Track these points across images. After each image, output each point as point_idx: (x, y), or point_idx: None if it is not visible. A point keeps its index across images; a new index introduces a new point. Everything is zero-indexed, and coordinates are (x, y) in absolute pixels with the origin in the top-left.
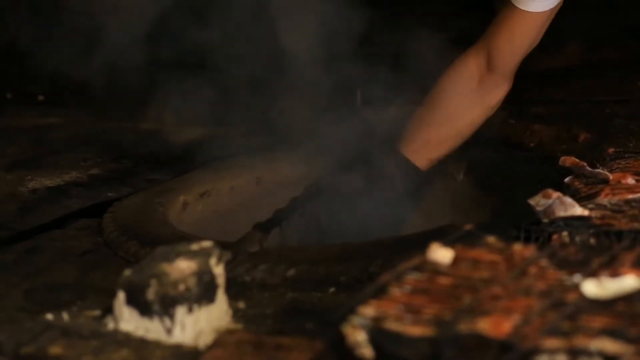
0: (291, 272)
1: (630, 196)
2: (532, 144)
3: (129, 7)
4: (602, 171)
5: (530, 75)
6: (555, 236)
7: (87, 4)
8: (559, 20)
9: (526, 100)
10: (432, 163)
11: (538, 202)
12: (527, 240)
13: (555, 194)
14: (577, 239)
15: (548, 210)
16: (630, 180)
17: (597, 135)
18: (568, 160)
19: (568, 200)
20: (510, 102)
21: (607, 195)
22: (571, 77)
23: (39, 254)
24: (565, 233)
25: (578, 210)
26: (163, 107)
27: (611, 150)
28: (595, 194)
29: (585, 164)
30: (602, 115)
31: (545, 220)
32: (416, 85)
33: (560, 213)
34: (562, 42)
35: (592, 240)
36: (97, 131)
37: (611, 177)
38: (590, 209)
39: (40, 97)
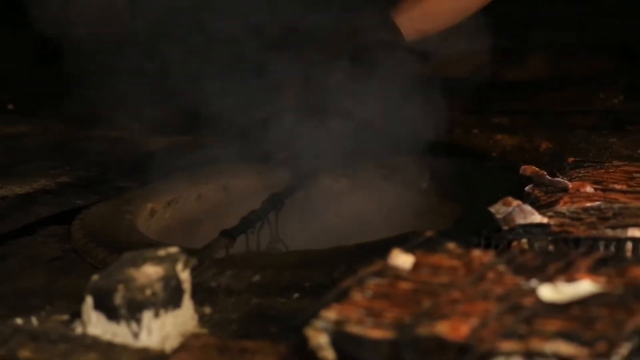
0: (256, 277)
1: (589, 204)
2: (494, 154)
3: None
4: (561, 180)
5: (494, 86)
6: (514, 243)
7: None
8: (524, 33)
9: (490, 110)
10: (420, 35)
11: (498, 209)
12: (487, 247)
13: (515, 202)
14: (536, 245)
15: (508, 217)
16: (589, 189)
17: (558, 145)
18: (528, 169)
19: (527, 208)
20: (474, 112)
21: (565, 203)
22: (535, 89)
23: (9, 259)
24: (524, 240)
25: (537, 218)
26: (131, 115)
27: (571, 159)
28: (555, 202)
29: (545, 173)
30: (564, 125)
31: (505, 228)
32: None
33: (520, 220)
34: (528, 55)
35: (551, 247)
36: (67, 139)
37: (570, 186)
38: (550, 217)
39: (10, 106)
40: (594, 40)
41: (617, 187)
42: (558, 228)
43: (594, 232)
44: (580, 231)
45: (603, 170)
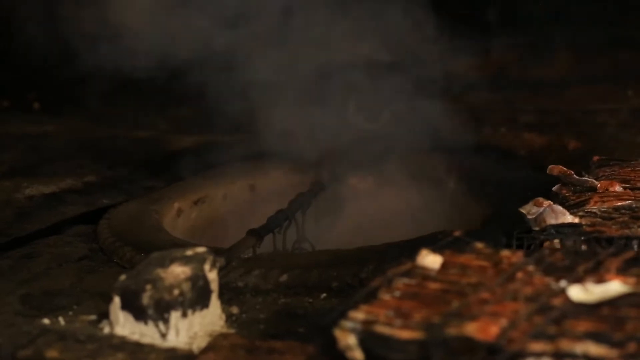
0: (284, 277)
1: (619, 203)
2: (522, 152)
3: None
4: (589, 179)
5: (522, 85)
6: (546, 243)
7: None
8: (551, 30)
9: (518, 109)
10: None
11: (529, 210)
12: (519, 248)
13: (547, 203)
14: (568, 245)
15: (539, 218)
16: (618, 188)
17: (587, 144)
18: (555, 169)
19: (559, 208)
20: (501, 110)
21: (596, 202)
22: (563, 87)
23: (36, 259)
24: (556, 240)
25: (569, 218)
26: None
27: (596, 158)
28: (585, 202)
29: (572, 173)
30: (593, 124)
31: (537, 228)
32: None
33: (551, 221)
34: (555, 52)
35: (584, 247)
36: (93, 139)
37: (599, 185)
38: (581, 217)
39: (36, 105)
40: (621, 36)
41: None
42: (590, 228)
43: (626, 232)
44: (613, 230)
45: (630, 169)
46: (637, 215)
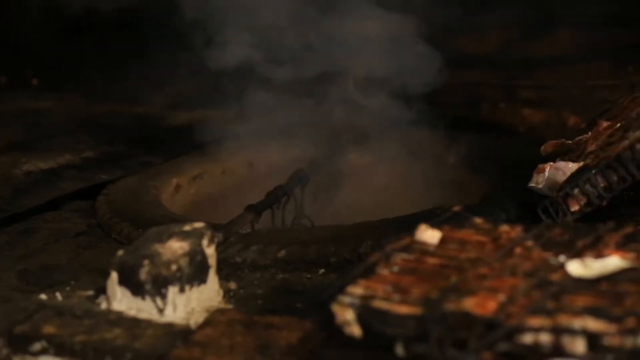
0: (282, 253)
1: (611, 130)
2: (521, 128)
3: None
4: (582, 137)
5: (521, 61)
6: (572, 201)
7: None
8: (550, 7)
9: (517, 85)
10: None
11: (537, 180)
12: (548, 217)
13: (547, 165)
14: (588, 187)
15: (549, 183)
16: (605, 124)
17: (587, 120)
18: (549, 146)
19: (560, 164)
20: (501, 86)
21: (592, 143)
22: (562, 63)
23: (33, 235)
24: (577, 190)
25: (574, 167)
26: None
27: (583, 124)
28: (583, 150)
29: (564, 140)
30: (592, 100)
31: (553, 194)
32: None
33: (562, 178)
34: (553, 28)
35: (601, 181)
36: (91, 114)
37: (589, 133)
38: (584, 160)
39: (34, 81)
40: (620, 13)
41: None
42: (597, 160)
43: (626, 142)
44: (617, 149)
45: (613, 112)
46: (630, 126)
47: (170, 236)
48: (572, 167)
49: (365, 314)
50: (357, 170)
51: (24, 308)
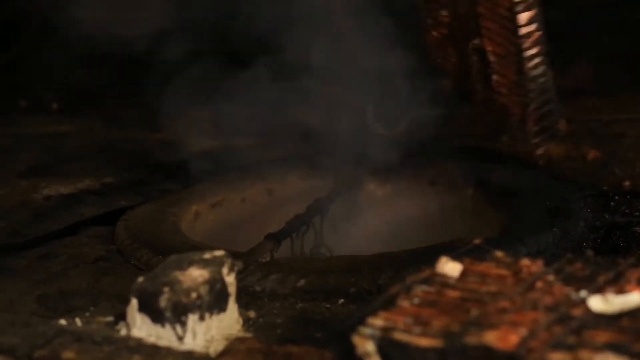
0: (301, 282)
1: None
2: (540, 161)
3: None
4: None
5: None
6: None
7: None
8: (570, 39)
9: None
10: None
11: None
12: None
13: None
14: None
15: None
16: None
17: (606, 154)
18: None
19: None
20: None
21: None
22: (581, 96)
23: (52, 260)
24: None
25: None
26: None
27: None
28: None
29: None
30: (612, 133)
31: None
32: None
33: None
34: (573, 61)
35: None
36: (111, 140)
37: None
38: None
39: (54, 106)
40: None
41: None
42: None
43: None
44: None
45: None
46: None
47: (190, 264)
48: None
49: (386, 345)
50: (376, 201)
51: (43, 333)
